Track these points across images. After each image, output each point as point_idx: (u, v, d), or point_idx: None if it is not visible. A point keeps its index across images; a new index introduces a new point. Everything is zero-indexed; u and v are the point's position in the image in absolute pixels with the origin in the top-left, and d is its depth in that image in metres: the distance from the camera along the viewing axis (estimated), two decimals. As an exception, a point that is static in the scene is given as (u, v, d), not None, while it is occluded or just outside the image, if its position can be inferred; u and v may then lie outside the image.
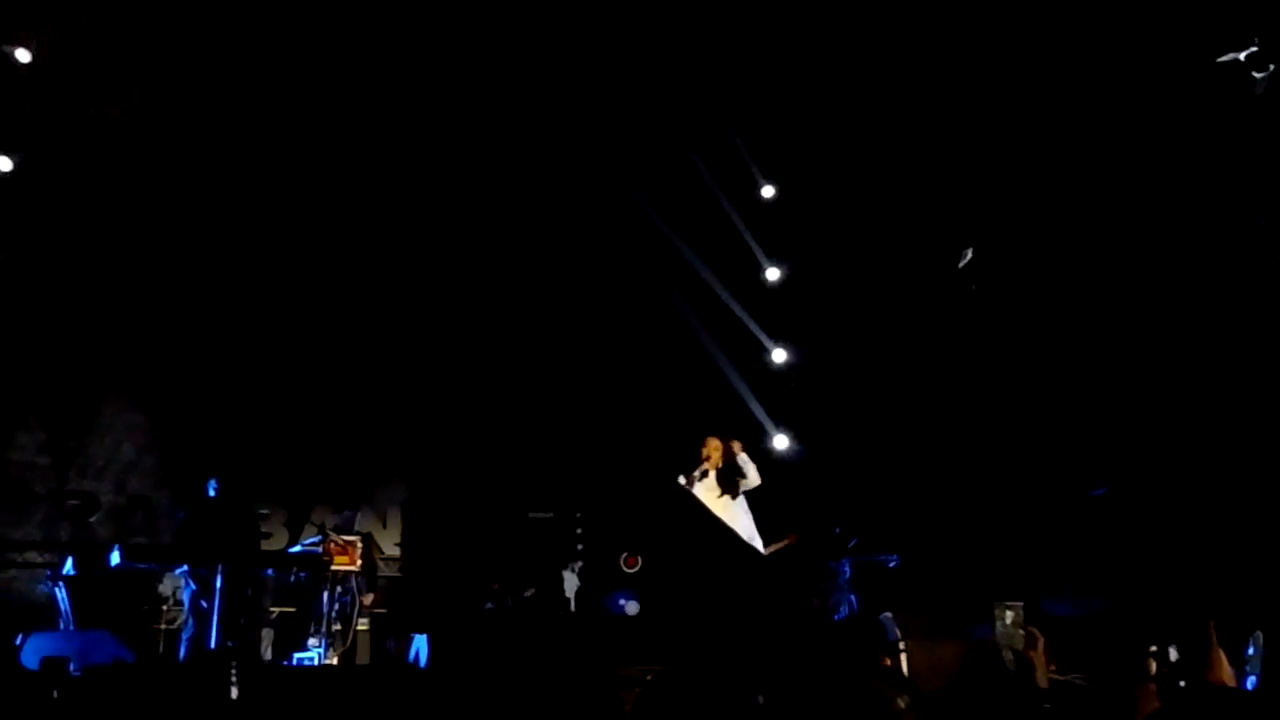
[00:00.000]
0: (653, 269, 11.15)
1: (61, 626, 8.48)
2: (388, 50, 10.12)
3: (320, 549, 9.31)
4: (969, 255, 10.17)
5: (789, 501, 9.52)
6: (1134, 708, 3.42)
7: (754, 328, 11.46)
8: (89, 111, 9.28)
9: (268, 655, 9.12)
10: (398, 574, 11.22)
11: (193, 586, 8.53)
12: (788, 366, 11.52)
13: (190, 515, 9.17)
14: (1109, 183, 8.99)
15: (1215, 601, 5.95)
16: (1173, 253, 8.54)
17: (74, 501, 10.48)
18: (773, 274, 11.71)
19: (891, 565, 9.91)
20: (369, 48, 10.08)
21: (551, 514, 10.98)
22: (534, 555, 10.79)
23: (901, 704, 3.52)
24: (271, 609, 9.42)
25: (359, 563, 9.48)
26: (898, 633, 6.99)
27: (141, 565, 8.78)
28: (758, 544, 8.19)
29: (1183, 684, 3.43)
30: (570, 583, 10.80)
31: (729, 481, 8.11)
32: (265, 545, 9.98)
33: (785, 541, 9.06)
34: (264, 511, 10.17)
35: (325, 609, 9.13)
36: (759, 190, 11.70)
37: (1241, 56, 7.62)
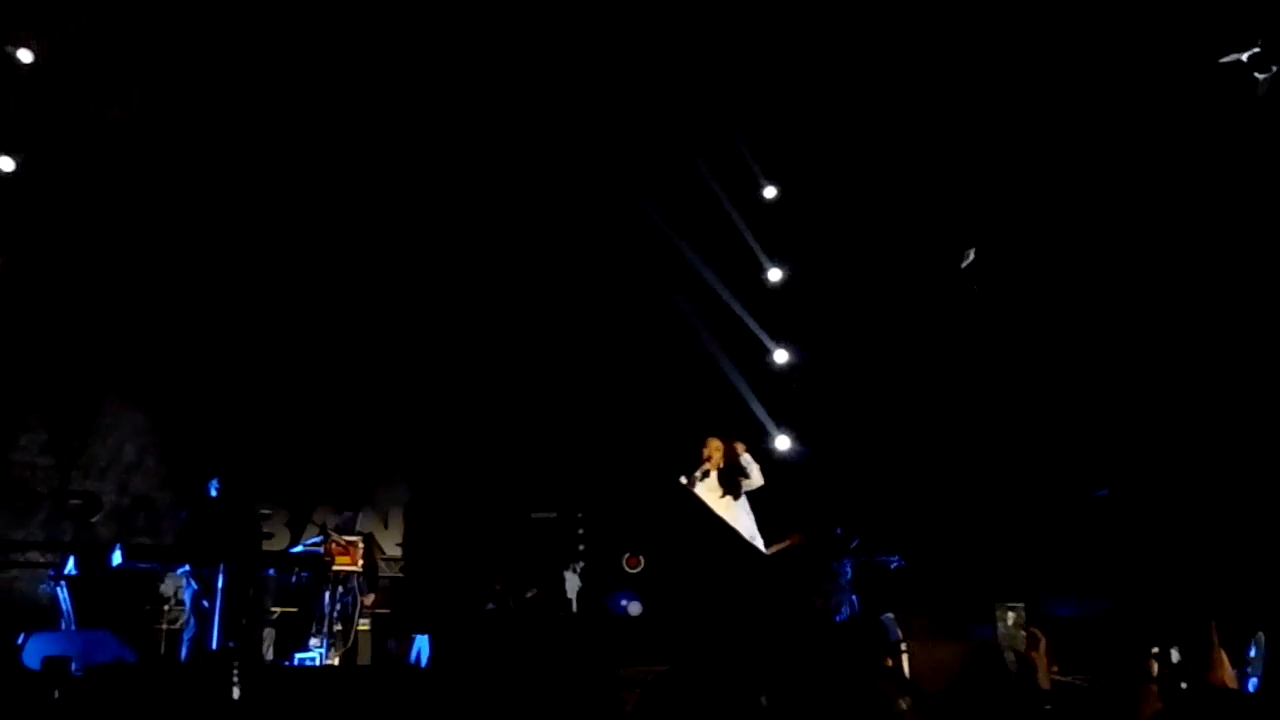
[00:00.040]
0: (654, 269, 11.14)
1: (63, 626, 8.48)
2: (388, 50, 10.12)
3: (322, 549, 9.30)
4: (971, 256, 10.17)
5: (790, 502, 9.52)
6: (1136, 709, 3.42)
7: (755, 328, 11.45)
8: (89, 112, 9.29)
9: (269, 655, 9.12)
10: (399, 574, 11.22)
11: (194, 586, 8.53)
12: (789, 367, 11.51)
13: (192, 515, 9.17)
14: (1112, 183, 8.99)
15: (1217, 603, 5.95)
16: (1175, 253, 8.54)
17: (76, 502, 10.49)
18: (774, 274, 11.71)
19: (893, 566, 9.90)
20: (369, 48, 10.08)
21: (554, 514, 10.98)
22: (536, 555, 10.79)
23: (904, 705, 3.51)
24: (273, 609, 9.42)
25: (360, 563, 9.47)
26: (899, 633, 6.99)
27: (143, 565, 8.78)
28: (759, 544, 8.18)
29: (1184, 685, 3.42)
30: (572, 583, 10.80)
31: (730, 482, 8.11)
32: (267, 545, 9.99)
33: (787, 542, 9.06)
34: (266, 512, 10.18)
35: (327, 609, 9.12)
36: (760, 190, 11.69)
37: (1244, 57, 7.61)
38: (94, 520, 10.46)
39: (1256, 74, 7.61)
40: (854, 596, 9.81)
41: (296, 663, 8.96)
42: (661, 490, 8.53)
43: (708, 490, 8.08)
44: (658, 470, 8.84)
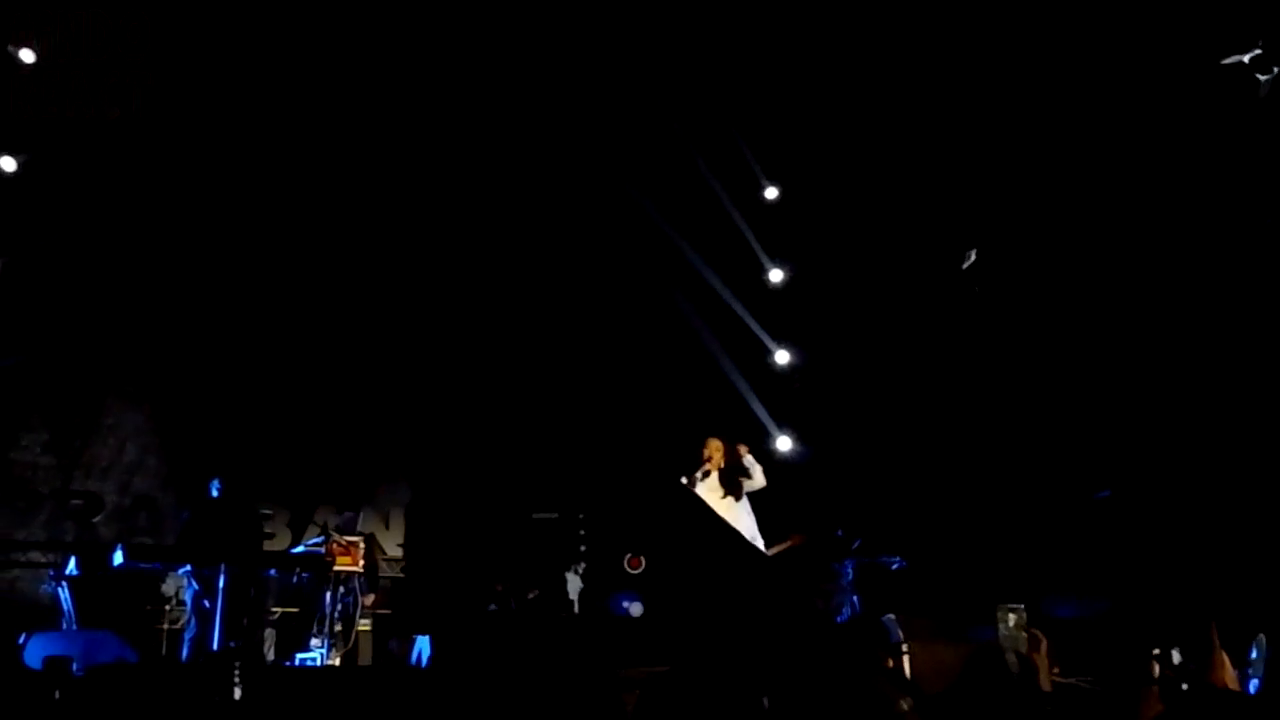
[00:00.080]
0: (656, 270, 11.14)
1: (64, 626, 8.48)
2: (388, 49, 10.12)
3: (323, 549, 9.31)
4: (972, 257, 10.17)
5: (792, 503, 9.52)
6: (1137, 710, 3.41)
7: (757, 329, 11.45)
8: (90, 112, 9.30)
9: (270, 656, 9.12)
10: (400, 575, 11.22)
11: (195, 587, 8.53)
12: (791, 368, 11.51)
13: (193, 515, 9.17)
14: (1113, 184, 8.99)
15: (1218, 604, 5.94)
16: (1177, 254, 8.54)
17: (78, 502, 10.49)
18: (776, 275, 11.70)
19: (894, 567, 9.90)
20: (369, 47, 10.08)
21: (555, 515, 10.97)
22: (537, 556, 10.78)
23: (905, 706, 3.51)
24: (274, 609, 9.42)
25: (362, 563, 9.48)
26: (901, 634, 6.99)
27: (144, 565, 8.77)
28: (760, 545, 8.18)
29: (1185, 686, 3.42)
30: (574, 584, 10.79)
31: (731, 482, 8.10)
32: (268, 545, 9.98)
33: (788, 543, 9.05)
34: (267, 512, 10.18)
35: (328, 609, 9.12)
36: (762, 191, 11.69)
37: (1246, 59, 7.61)
38: (95, 520, 10.46)
39: (1258, 75, 7.61)
40: (855, 597, 9.81)
41: (297, 663, 8.96)
42: (663, 491, 8.52)
43: (708, 491, 8.08)
44: (659, 471, 8.84)
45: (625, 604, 9.94)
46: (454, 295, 11.39)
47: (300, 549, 9.79)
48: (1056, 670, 4.24)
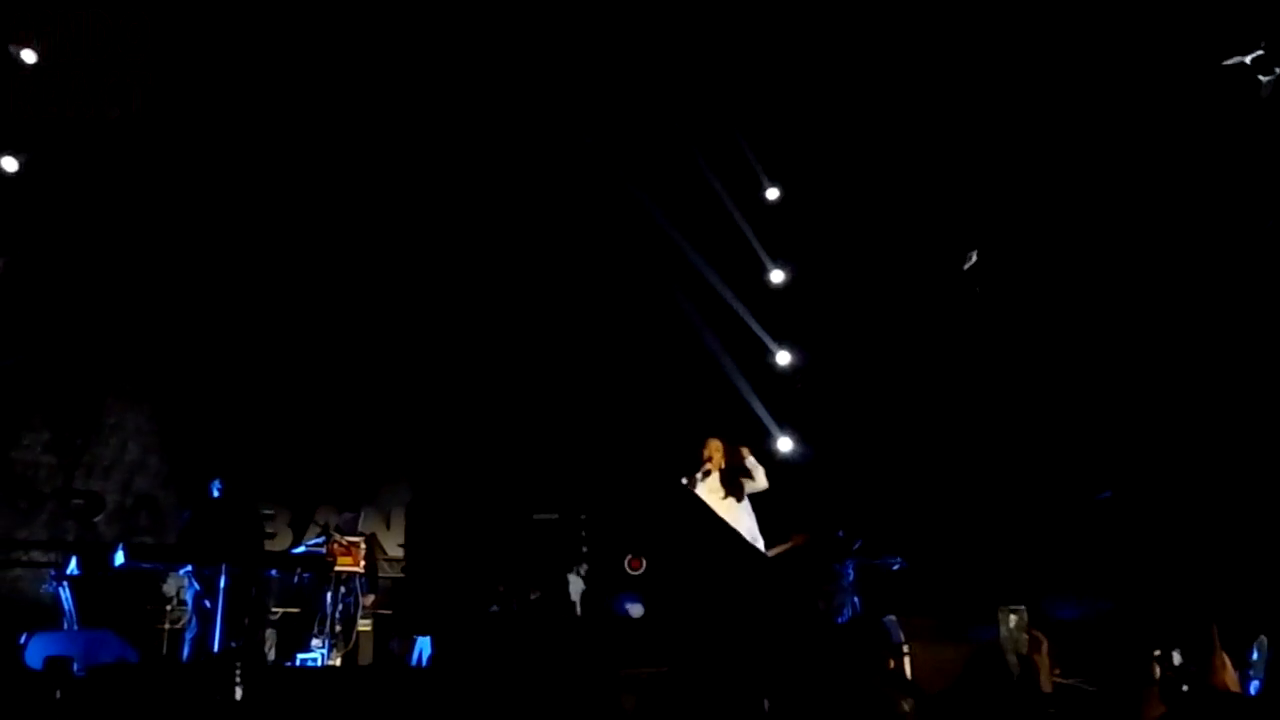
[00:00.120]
0: (657, 271, 11.15)
1: (66, 626, 8.49)
2: (389, 49, 10.12)
3: (324, 550, 9.31)
4: (974, 258, 10.16)
5: (793, 504, 9.51)
6: (1138, 712, 3.41)
7: (758, 330, 11.45)
8: (90, 112, 9.30)
9: (271, 656, 9.12)
10: (400, 575, 11.22)
11: (196, 586, 8.54)
12: (792, 369, 11.51)
13: (194, 515, 9.17)
14: (1115, 186, 8.98)
15: (1219, 606, 5.94)
16: (1178, 256, 8.53)
17: (79, 501, 10.49)
18: (777, 276, 11.71)
19: (895, 568, 9.89)
20: (369, 47, 10.08)
21: (556, 515, 10.98)
22: (538, 557, 10.79)
23: (906, 707, 3.51)
24: (275, 609, 9.42)
25: (363, 564, 9.48)
26: (902, 635, 6.99)
27: (146, 565, 8.78)
28: (760, 546, 8.17)
29: (1185, 688, 3.41)
30: (575, 586, 10.80)
31: (732, 483, 8.09)
32: (269, 545, 9.99)
33: (789, 543, 9.04)
34: (268, 512, 10.19)
35: (329, 610, 9.13)
36: (764, 192, 11.70)
37: (1247, 60, 7.61)
38: (97, 520, 10.46)
39: (1260, 77, 7.60)
40: (856, 598, 9.81)
41: (298, 663, 8.96)
42: (664, 492, 8.52)
43: (709, 491, 8.07)
44: (660, 472, 8.83)
45: (626, 605, 9.95)
46: (455, 295, 11.39)
47: (301, 549, 9.80)
48: (1057, 671, 4.23)
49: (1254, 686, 3.93)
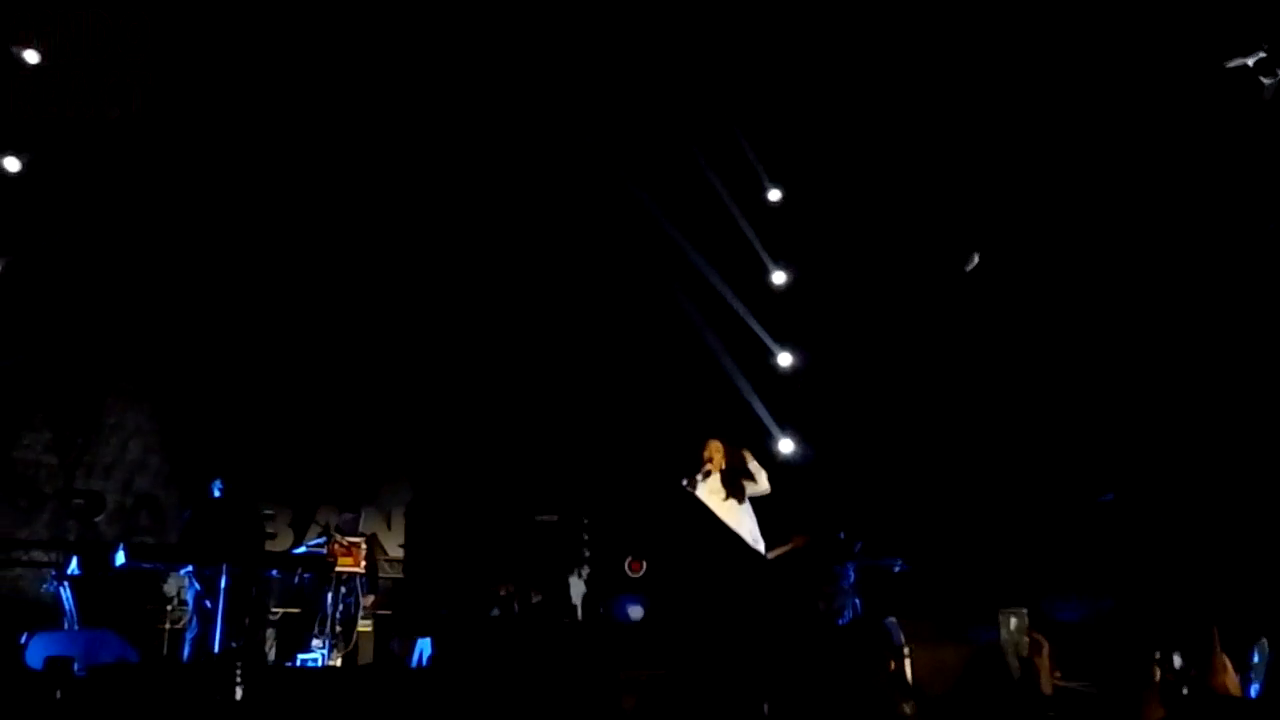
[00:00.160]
0: (659, 271, 11.15)
1: (66, 626, 8.48)
2: (389, 49, 10.13)
3: (325, 550, 9.31)
4: (976, 259, 10.16)
5: (794, 505, 9.51)
6: (1139, 715, 3.41)
7: (760, 331, 11.45)
8: (90, 112, 9.31)
9: (271, 656, 9.12)
10: (401, 576, 11.21)
11: (197, 586, 8.53)
12: (793, 370, 11.51)
13: (195, 515, 9.17)
14: (1117, 188, 8.98)
15: (1220, 608, 5.93)
16: (1180, 258, 8.53)
17: (80, 501, 10.48)
18: (779, 278, 11.71)
19: (896, 569, 9.89)
20: (370, 47, 10.09)
21: (556, 517, 10.97)
22: (539, 558, 10.78)
23: (908, 710, 3.51)
24: (275, 610, 9.42)
25: (363, 564, 9.48)
26: (903, 637, 6.98)
27: (146, 565, 8.77)
28: (760, 548, 8.16)
29: (1185, 691, 3.41)
30: (577, 588, 10.79)
31: (733, 484, 8.07)
32: (270, 546, 9.98)
33: (790, 545, 9.03)
34: (269, 512, 10.18)
35: (329, 610, 9.12)
36: (765, 193, 11.70)
37: (1250, 62, 7.60)
38: (97, 519, 10.46)
39: (1263, 79, 7.60)
40: (857, 600, 9.81)
41: (299, 663, 8.96)
42: (664, 494, 8.51)
43: (710, 492, 8.05)
44: (661, 473, 8.83)
45: (626, 608, 9.96)
46: (457, 296, 11.40)
47: (302, 549, 9.79)
48: (1058, 674, 4.22)
49: (1254, 689, 3.93)
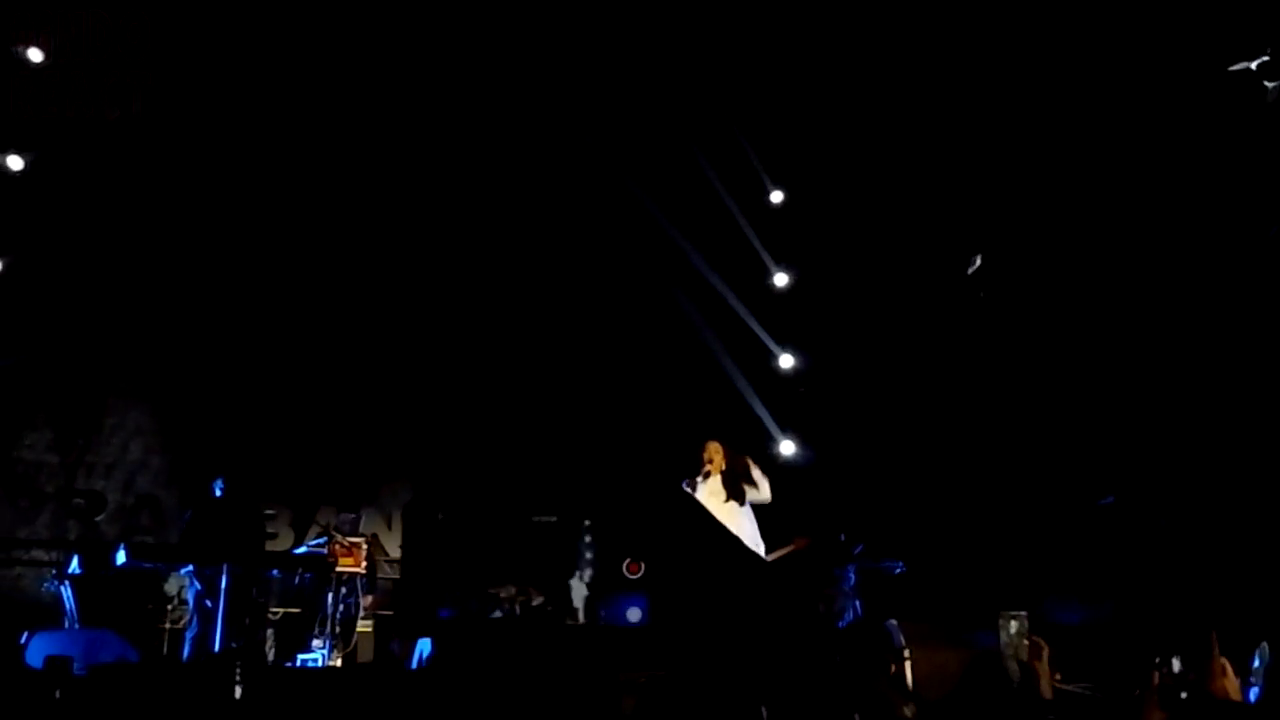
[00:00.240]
0: (660, 273, 11.15)
1: (67, 625, 8.49)
2: (390, 49, 10.13)
3: (325, 550, 9.31)
4: (978, 262, 10.15)
5: (795, 507, 9.51)
6: (1139, 718, 3.40)
7: (761, 333, 11.45)
8: (91, 112, 9.32)
9: (271, 656, 9.12)
10: (398, 576, 11.20)
11: (198, 586, 8.54)
12: (795, 372, 11.50)
13: (196, 515, 9.17)
14: (1119, 191, 8.97)
15: (1222, 612, 5.93)
16: (1182, 262, 8.52)
17: (81, 500, 10.49)
18: (781, 279, 11.71)
19: (897, 572, 9.88)
20: (370, 46, 10.09)
21: (554, 518, 10.97)
22: (538, 560, 10.78)
23: (908, 713, 3.51)
24: (275, 609, 9.41)
25: (364, 564, 9.48)
26: (903, 639, 6.98)
27: (147, 564, 8.78)
28: (760, 550, 8.15)
29: (1184, 695, 3.41)
30: (578, 591, 10.79)
31: (734, 486, 8.07)
32: (270, 546, 9.98)
33: (791, 547, 9.03)
34: (270, 512, 10.18)
35: (329, 610, 9.12)
36: (767, 195, 11.69)
37: (1253, 65, 7.60)
38: (98, 519, 10.46)
39: (1266, 82, 7.59)
40: (857, 602, 9.80)
41: (299, 663, 8.96)
42: (664, 496, 8.51)
43: (710, 494, 8.04)
44: (661, 475, 8.83)
45: (625, 609, 9.95)
46: (458, 297, 11.40)
47: (303, 549, 9.79)
48: (1058, 677, 4.22)
49: (1254, 694, 3.92)
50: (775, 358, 11.51)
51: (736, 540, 7.77)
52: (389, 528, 11.39)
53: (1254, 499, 7.75)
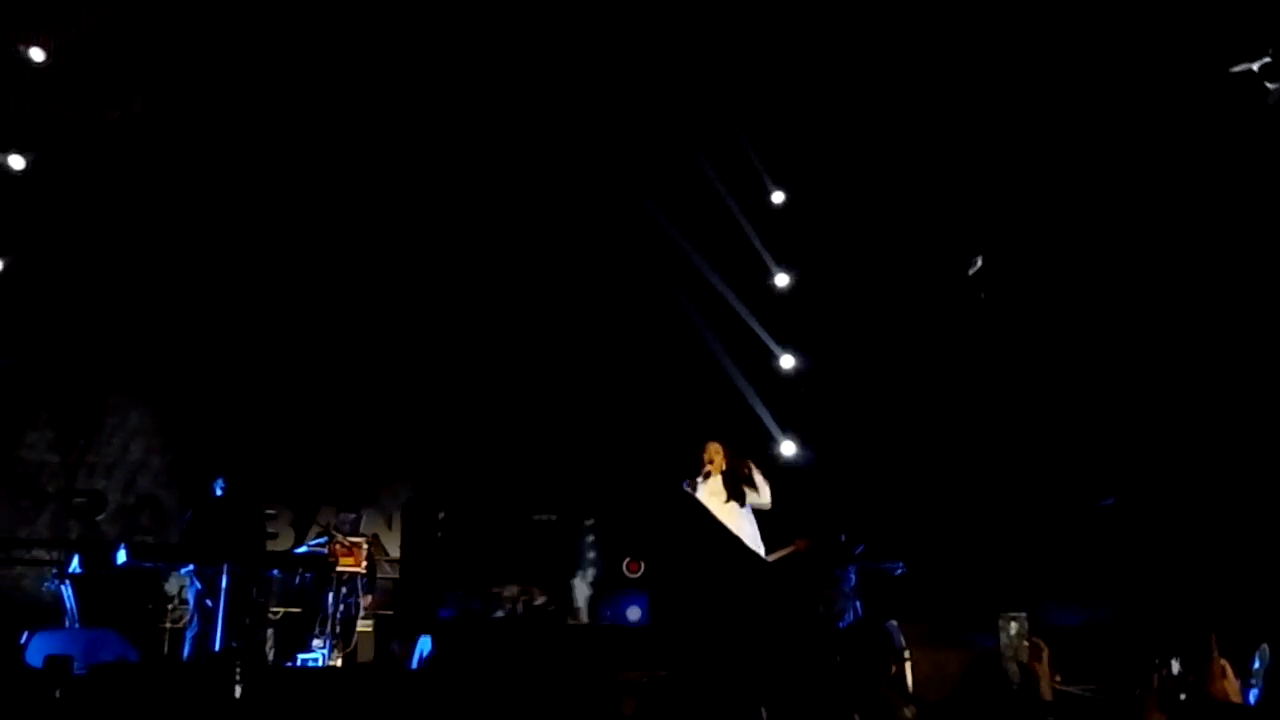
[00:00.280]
0: (661, 273, 11.14)
1: (67, 625, 8.50)
2: (390, 49, 10.14)
3: (326, 550, 9.31)
4: (979, 263, 10.15)
5: (795, 508, 9.50)
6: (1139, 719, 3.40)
7: (762, 334, 11.45)
8: (91, 112, 9.33)
9: (271, 655, 9.12)
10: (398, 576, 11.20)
11: (198, 586, 8.54)
12: (795, 373, 11.50)
13: (196, 514, 9.17)
14: (1120, 192, 8.97)
15: (1222, 614, 5.93)
16: (1183, 263, 8.52)
17: (82, 500, 10.50)
18: (781, 280, 11.71)
19: (897, 573, 9.88)
20: (371, 47, 10.10)
21: (553, 516, 10.96)
22: (539, 559, 10.77)
23: (908, 714, 3.51)
24: (276, 609, 9.41)
25: (364, 564, 9.48)
26: (903, 640, 6.98)
27: (147, 564, 8.79)
28: (760, 551, 8.14)
29: (1183, 697, 3.41)
30: (581, 591, 10.78)
31: (734, 487, 8.07)
32: (271, 545, 9.98)
33: (791, 548, 9.03)
34: (270, 512, 10.18)
35: (329, 610, 9.12)
36: (768, 196, 11.69)
37: (1255, 67, 7.60)
38: (99, 518, 10.46)
39: (1268, 84, 7.59)
40: (858, 603, 9.80)
41: (299, 663, 8.96)
42: (664, 496, 8.51)
43: (710, 494, 8.04)
44: (661, 476, 8.82)
45: (625, 608, 9.95)
46: (459, 297, 11.40)
47: (303, 549, 9.80)
48: (1058, 679, 4.22)
49: (1253, 695, 3.92)
50: (776, 358, 11.51)
51: (737, 540, 7.77)
52: (389, 528, 11.38)
53: (1253, 500, 7.75)
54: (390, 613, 10.29)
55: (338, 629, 9.13)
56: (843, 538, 10.12)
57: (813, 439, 11.14)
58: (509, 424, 11.21)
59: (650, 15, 10.11)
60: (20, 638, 7.62)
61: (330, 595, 9.14)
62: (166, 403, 11.11)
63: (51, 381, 10.58)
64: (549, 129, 10.75)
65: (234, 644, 8.12)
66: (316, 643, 9.05)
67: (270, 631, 9.25)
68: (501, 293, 11.35)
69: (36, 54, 9.27)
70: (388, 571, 10.79)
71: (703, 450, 8.13)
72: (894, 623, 7.18)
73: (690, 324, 11.13)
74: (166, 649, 9.02)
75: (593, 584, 10.85)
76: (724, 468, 8.08)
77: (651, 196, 11.11)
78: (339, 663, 9.05)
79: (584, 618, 10.64)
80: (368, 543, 9.69)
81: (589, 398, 11.22)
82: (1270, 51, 7.55)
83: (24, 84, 9.27)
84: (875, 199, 10.75)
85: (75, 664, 5.70)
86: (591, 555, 11.02)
